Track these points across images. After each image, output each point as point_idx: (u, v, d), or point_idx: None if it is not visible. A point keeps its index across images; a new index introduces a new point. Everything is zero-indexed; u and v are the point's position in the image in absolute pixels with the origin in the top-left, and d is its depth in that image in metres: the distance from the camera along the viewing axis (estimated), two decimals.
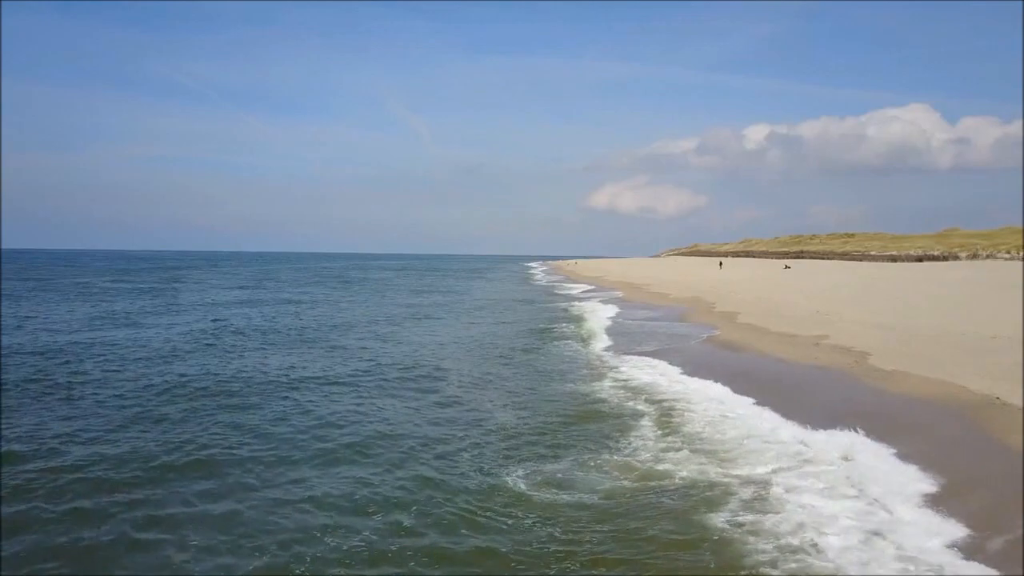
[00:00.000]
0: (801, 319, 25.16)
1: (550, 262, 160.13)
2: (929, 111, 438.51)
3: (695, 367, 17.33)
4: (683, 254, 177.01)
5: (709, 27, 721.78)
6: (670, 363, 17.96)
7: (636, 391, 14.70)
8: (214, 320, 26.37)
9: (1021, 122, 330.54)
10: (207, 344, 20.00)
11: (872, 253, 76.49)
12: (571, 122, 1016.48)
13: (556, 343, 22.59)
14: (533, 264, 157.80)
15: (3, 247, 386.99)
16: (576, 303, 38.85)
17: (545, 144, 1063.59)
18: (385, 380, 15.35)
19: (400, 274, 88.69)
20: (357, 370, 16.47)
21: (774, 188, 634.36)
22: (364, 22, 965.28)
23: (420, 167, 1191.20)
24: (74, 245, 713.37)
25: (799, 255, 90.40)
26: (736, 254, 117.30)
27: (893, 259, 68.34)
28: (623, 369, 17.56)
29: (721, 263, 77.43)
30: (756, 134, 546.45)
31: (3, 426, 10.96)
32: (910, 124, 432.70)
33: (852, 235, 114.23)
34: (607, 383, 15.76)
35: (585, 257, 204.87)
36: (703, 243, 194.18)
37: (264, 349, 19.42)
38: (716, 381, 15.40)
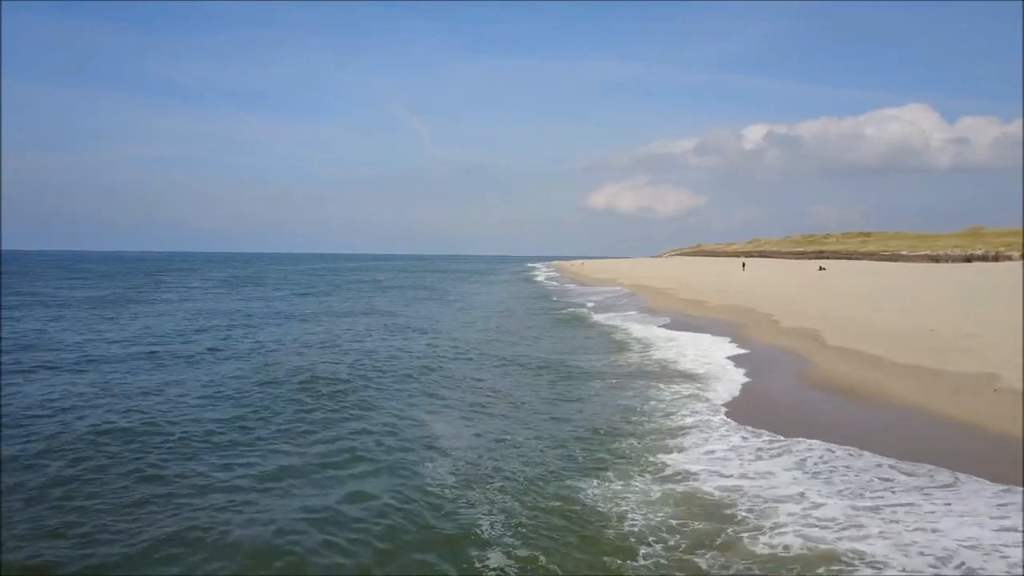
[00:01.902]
0: (914, 341, 18.54)
1: (553, 263, 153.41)
2: (928, 111, 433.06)
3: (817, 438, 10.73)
4: (686, 254, 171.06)
5: (709, 27, 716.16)
6: (762, 429, 11.35)
7: (714, 505, 8.07)
8: (131, 366, 19.50)
9: (1021, 122, 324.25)
10: (74, 423, 12.35)
11: (904, 253, 69.83)
12: (571, 122, 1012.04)
13: (588, 384, 15.91)
14: (535, 265, 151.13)
15: (3, 248, 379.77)
16: (600, 316, 32.25)
17: (545, 144, 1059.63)
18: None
19: (396, 276, 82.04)
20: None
21: (773, 188, 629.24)
22: (364, 22, 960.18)
23: (420, 167, 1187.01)
24: (75, 246, 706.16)
25: (819, 255, 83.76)
26: (749, 254, 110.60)
27: (934, 259, 61.63)
28: (691, 444, 10.96)
29: (744, 264, 70.83)
30: (755, 134, 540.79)
31: None
32: (909, 124, 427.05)
33: (869, 234, 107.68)
34: (648, 485, 9.15)
35: (586, 257, 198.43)
36: (707, 243, 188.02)
37: (139, 442, 11.05)
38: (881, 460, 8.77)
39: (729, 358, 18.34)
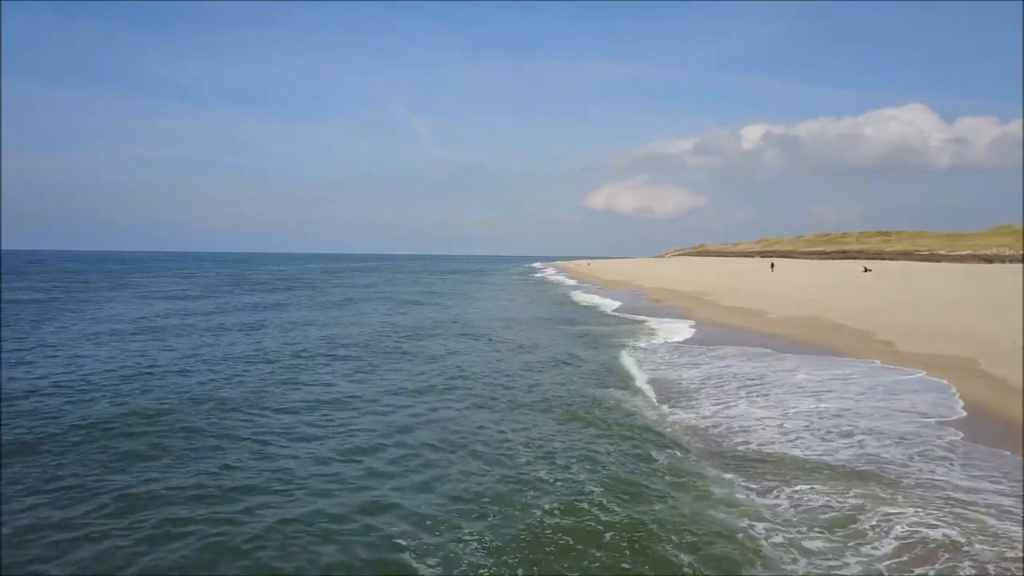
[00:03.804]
0: None
1: (557, 263, 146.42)
2: (927, 111, 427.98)
3: None
4: (689, 254, 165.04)
5: (709, 27, 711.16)
6: None
7: None
8: None
9: (1021, 122, 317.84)
10: None
11: (941, 252, 62.90)
12: (570, 122, 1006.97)
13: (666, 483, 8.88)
14: (537, 264, 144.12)
15: (3, 248, 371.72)
16: (651, 336, 25.31)
17: (544, 145, 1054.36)
18: None
19: (392, 279, 75.04)
20: None
21: (773, 188, 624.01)
22: (364, 22, 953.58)
23: (420, 167, 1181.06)
24: (75, 247, 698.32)
25: (844, 255, 76.94)
26: (763, 254, 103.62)
27: (986, 260, 54.67)
28: None
29: (772, 264, 63.88)
30: (754, 134, 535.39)
31: None
32: (908, 124, 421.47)
33: (889, 233, 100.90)
34: None
35: (586, 257, 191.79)
36: (709, 243, 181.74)
37: None
38: None
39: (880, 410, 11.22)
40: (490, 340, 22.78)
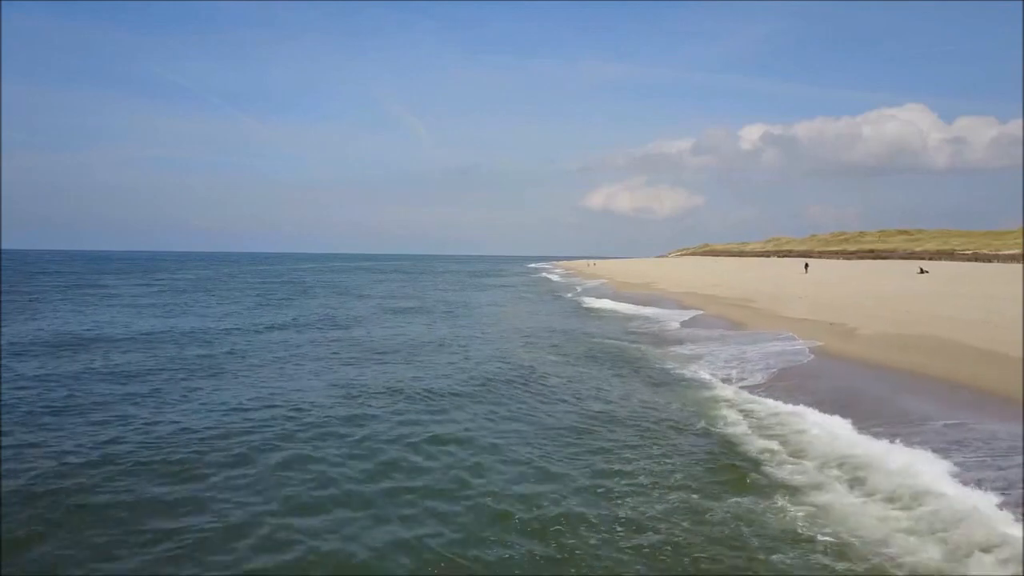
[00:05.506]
0: None
1: (561, 263, 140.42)
2: (925, 111, 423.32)
3: None
4: (694, 254, 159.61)
5: (707, 27, 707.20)
6: None
7: None
8: None
9: (1020, 121, 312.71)
10: None
11: (986, 252, 56.97)
12: (568, 123, 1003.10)
13: None
14: (540, 265, 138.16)
15: (3, 247, 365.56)
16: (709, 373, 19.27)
17: (542, 145, 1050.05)
18: None
19: (387, 280, 69.04)
20: None
21: (771, 188, 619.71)
22: (363, 22, 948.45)
23: (418, 168, 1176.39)
24: (74, 246, 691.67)
25: (871, 254, 71.01)
26: (778, 254, 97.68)
27: None
28: None
29: (807, 265, 58.00)
30: (752, 134, 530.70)
31: None
32: (906, 124, 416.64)
33: (910, 231, 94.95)
34: None
35: (586, 257, 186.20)
36: (712, 243, 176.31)
37: None
38: None
39: None
40: (548, 387, 16.77)
